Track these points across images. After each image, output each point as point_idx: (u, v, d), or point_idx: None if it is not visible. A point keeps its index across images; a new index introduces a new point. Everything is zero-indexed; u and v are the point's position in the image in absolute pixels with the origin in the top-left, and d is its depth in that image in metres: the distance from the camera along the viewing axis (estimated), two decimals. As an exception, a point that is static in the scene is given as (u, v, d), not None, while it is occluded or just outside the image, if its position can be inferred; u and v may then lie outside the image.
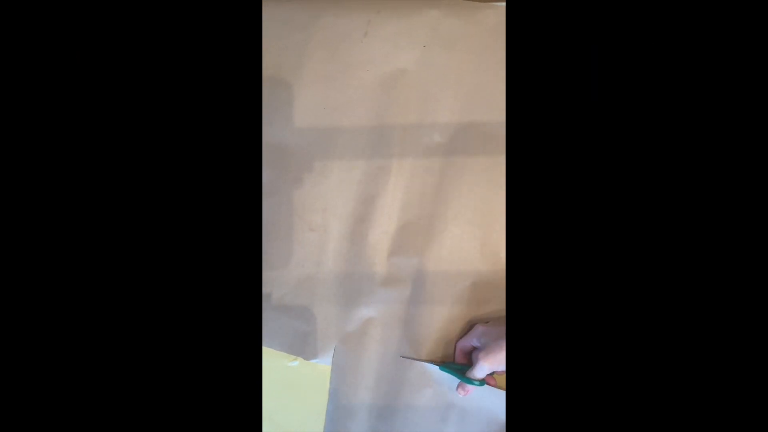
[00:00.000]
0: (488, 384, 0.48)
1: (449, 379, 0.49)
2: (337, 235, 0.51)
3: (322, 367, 0.52)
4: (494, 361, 0.45)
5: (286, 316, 0.51)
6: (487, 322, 0.49)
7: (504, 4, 0.51)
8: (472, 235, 0.51)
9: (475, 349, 0.48)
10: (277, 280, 0.52)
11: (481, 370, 0.45)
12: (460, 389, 0.48)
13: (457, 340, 0.50)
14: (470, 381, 0.47)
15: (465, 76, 0.51)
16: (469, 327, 0.50)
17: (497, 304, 0.50)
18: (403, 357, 0.51)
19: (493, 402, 0.48)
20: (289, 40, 0.52)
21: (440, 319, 0.51)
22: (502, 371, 0.47)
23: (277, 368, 0.52)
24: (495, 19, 0.51)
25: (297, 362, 0.52)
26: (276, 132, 0.52)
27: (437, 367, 0.49)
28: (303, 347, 0.51)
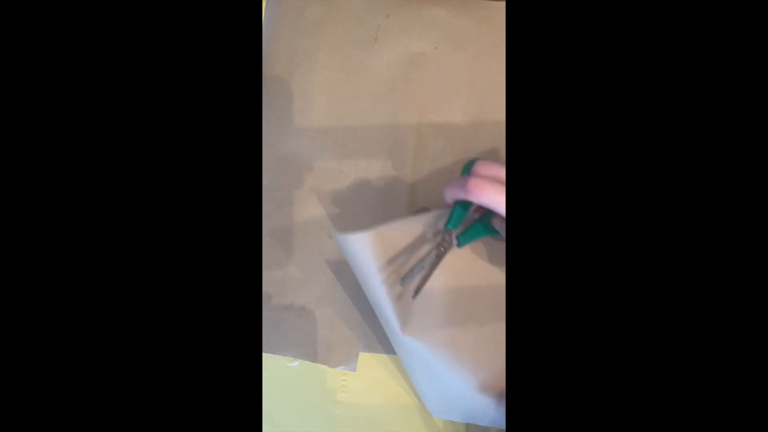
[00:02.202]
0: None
1: None
2: None
3: (321, 366, 0.52)
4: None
5: (309, 325, 0.52)
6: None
7: None
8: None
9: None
10: (299, 290, 0.52)
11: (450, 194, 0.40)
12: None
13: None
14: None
15: (477, 75, 0.52)
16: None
17: None
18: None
19: None
20: (299, 48, 0.52)
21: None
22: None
23: (277, 368, 0.52)
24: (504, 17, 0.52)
25: (297, 362, 0.52)
26: (290, 141, 0.52)
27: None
28: (328, 355, 0.51)
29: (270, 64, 0.52)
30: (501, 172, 0.39)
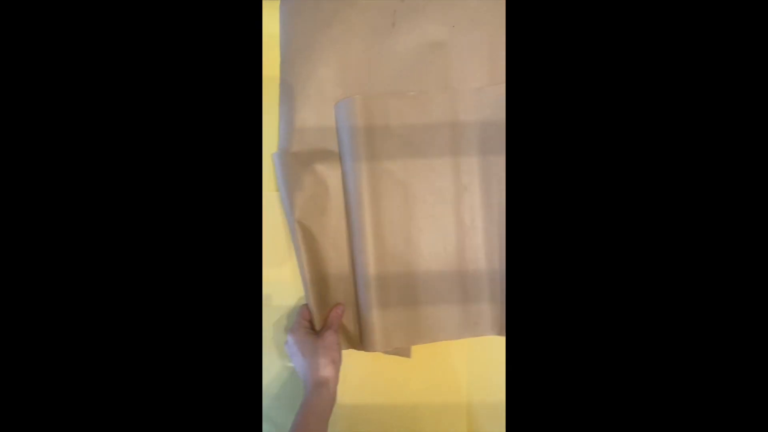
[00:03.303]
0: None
1: None
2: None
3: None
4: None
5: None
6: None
7: None
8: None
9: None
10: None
11: None
12: None
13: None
14: None
15: (497, 50, 0.51)
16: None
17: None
18: None
19: None
20: (318, 39, 0.52)
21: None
22: None
23: (277, 368, 0.52)
24: None
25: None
26: (308, 134, 0.52)
27: None
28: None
29: (290, 57, 0.52)
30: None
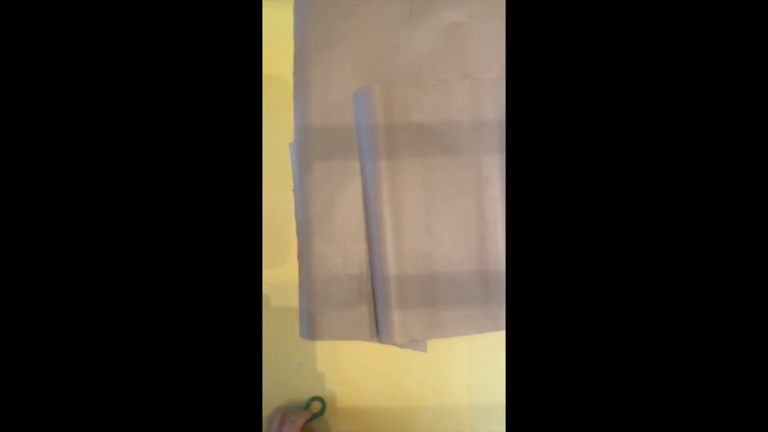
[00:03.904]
0: None
1: None
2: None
3: (321, 366, 0.52)
4: None
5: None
6: None
7: None
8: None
9: None
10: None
11: None
12: None
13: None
14: None
15: None
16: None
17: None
18: None
19: None
20: (334, 32, 0.52)
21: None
22: None
23: (277, 368, 0.52)
24: None
25: (297, 363, 0.52)
26: (325, 126, 0.51)
27: None
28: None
29: (306, 50, 0.52)
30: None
